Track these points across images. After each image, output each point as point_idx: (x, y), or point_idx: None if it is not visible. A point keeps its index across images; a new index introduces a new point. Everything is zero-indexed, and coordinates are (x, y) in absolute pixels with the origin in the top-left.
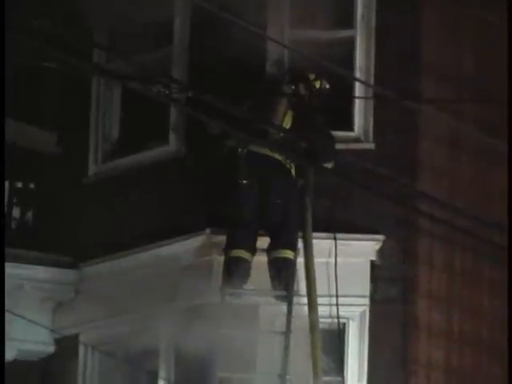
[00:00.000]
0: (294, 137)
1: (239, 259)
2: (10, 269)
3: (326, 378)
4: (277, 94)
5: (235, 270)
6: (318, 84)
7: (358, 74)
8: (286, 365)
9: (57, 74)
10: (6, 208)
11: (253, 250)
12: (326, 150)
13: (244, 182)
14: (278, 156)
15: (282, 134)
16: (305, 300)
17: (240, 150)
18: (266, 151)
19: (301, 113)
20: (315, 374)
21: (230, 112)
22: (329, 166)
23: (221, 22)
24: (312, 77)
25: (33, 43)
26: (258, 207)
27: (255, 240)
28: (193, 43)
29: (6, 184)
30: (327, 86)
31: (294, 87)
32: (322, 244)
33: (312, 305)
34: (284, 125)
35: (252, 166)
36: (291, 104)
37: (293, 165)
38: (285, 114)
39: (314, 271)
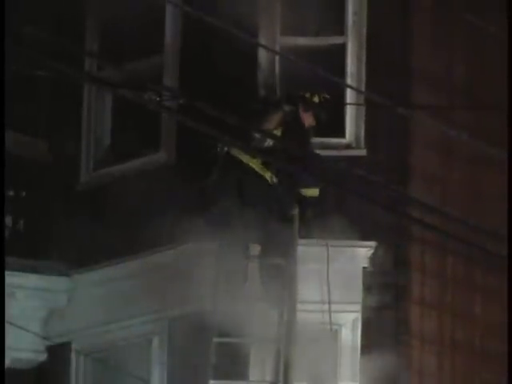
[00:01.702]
0: (281, 147)
1: (235, 266)
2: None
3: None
4: (272, 111)
5: (231, 277)
6: (316, 98)
7: (349, 81)
8: (278, 372)
9: (48, 81)
10: None
11: (247, 257)
12: (310, 175)
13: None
14: (256, 166)
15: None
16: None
17: (219, 150)
18: (246, 158)
19: (292, 131)
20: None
21: (221, 119)
22: (315, 192)
23: (212, 30)
24: (308, 95)
25: (24, 51)
26: (246, 215)
27: (248, 247)
28: (184, 51)
29: None
30: (327, 97)
31: (291, 108)
32: (314, 251)
33: (290, 312)
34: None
35: (229, 171)
36: (285, 122)
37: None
38: (276, 128)
39: (296, 272)
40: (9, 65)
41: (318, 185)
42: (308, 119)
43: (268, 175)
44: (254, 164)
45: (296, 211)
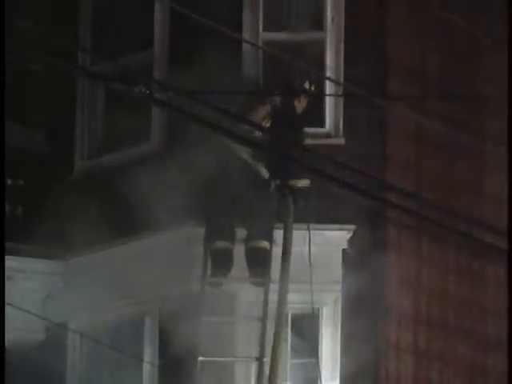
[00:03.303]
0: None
1: (222, 250)
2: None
3: (302, 361)
4: (257, 103)
5: (219, 261)
6: (307, 85)
7: (328, 73)
8: (264, 348)
9: (43, 74)
10: None
11: (233, 241)
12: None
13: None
14: (245, 156)
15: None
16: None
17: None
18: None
19: (284, 120)
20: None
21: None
22: (306, 182)
23: (199, 25)
24: (306, 84)
25: (20, 45)
26: (232, 201)
27: (234, 232)
28: (172, 45)
29: None
30: (313, 88)
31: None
32: (296, 234)
33: (282, 289)
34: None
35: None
36: (275, 112)
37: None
38: (264, 119)
39: (290, 259)
40: (3, 57)
41: (309, 176)
42: (300, 106)
43: (260, 167)
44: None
45: (290, 203)
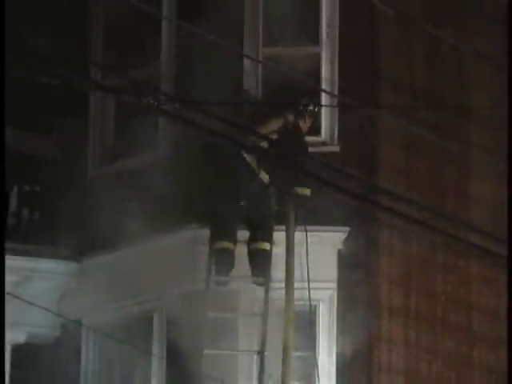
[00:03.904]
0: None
1: (224, 250)
2: (20, 262)
3: (300, 354)
4: (272, 116)
5: (221, 260)
6: (312, 107)
7: (324, 86)
8: (265, 343)
9: (58, 87)
10: (15, 209)
11: (235, 242)
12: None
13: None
14: (250, 161)
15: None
16: (279, 285)
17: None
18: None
19: (290, 139)
20: (286, 348)
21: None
22: (307, 191)
23: (204, 40)
24: (311, 106)
25: (35, 62)
26: (235, 204)
27: (236, 233)
28: (179, 59)
29: (15, 188)
30: (317, 109)
31: (292, 116)
32: (294, 235)
33: (289, 289)
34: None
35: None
36: (284, 129)
37: (265, 170)
38: (271, 132)
39: (294, 261)
40: (19, 72)
41: (307, 180)
42: (304, 127)
43: (263, 174)
44: (251, 161)
45: (291, 210)
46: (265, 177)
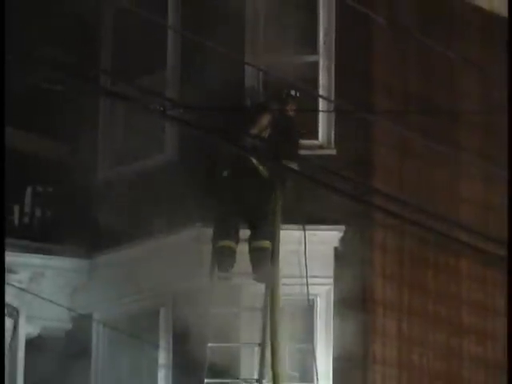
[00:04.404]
0: (267, 144)
1: (226, 248)
2: (33, 259)
3: (299, 346)
4: (260, 113)
5: (223, 258)
6: (293, 92)
7: (321, 91)
8: (265, 335)
9: (69, 94)
10: (29, 208)
11: (236, 241)
12: (290, 152)
13: (225, 173)
14: (254, 161)
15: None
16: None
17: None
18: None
19: (280, 126)
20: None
21: (217, 125)
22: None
23: (207, 48)
24: (293, 92)
25: (46, 70)
26: (238, 204)
27: (238, 232)
28: (184, 66)
29: (29, 189)
30: (298, 94)
31: (281, 107)
32: (293, 234)
33: (275, 285)
34: (263, 134)
35: (230, 167)
36: (274, 118)
37: (265, 168)
38: (265, 128)
39: (279, 257)
40: (31, 79)
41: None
42: (291, 109)
43: (263, 171)
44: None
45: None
46: (264, 173)
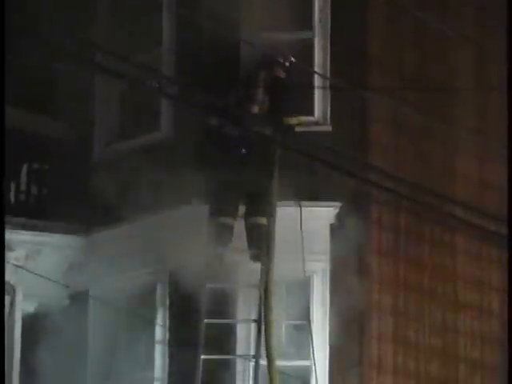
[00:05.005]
0: (265, 120)
1: (224, 225)
2: (29, 236)
3: (296, 322)
4: (256, 86)
5: (221, 234)
6: (281, 59)
7: (316, 68)
8: (261, 312)
9: (67, 72)
10: (25, 186)
11: (235, 217)
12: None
13: (243, 150)
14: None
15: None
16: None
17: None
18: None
19: (275, 93)
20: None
21: (215, 102)
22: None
23: (203, 27)
24: (281, 59)
25: (45, 47)
26: (236, 181)
27: (237, 209)
28: (179, 44)
29: (24, 166)
30: (292, 59)
31: (269, 71)
32: (289, 210)
33: (270, 262)
34: (263, 108)
35: (230, 143)
36: (267, 87)
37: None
38: (263, 102)
39: (275, 233)
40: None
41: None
42: (281, 74)
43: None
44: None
45: (275, 174)
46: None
